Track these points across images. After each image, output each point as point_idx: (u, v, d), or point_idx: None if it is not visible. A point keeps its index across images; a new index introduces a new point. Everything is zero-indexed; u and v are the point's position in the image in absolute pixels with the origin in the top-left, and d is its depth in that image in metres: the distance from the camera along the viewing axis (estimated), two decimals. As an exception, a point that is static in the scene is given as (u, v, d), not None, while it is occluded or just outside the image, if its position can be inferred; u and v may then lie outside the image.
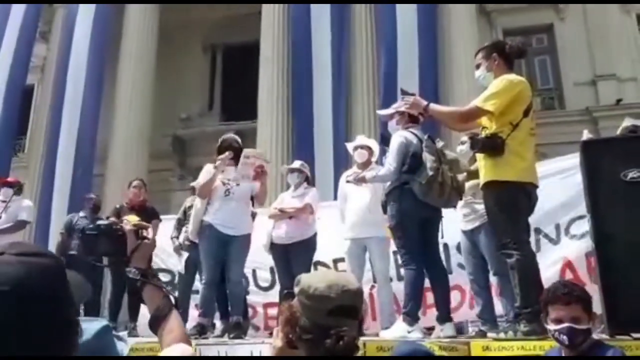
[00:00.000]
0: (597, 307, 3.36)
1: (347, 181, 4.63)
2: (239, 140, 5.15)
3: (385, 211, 4.36)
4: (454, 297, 4.67)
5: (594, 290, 3.50)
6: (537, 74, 14.52)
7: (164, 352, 1.24)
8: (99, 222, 1.68)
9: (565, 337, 2.41)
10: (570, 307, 2.43)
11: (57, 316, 0.82)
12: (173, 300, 1.40)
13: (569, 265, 4.96)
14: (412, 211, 4.11)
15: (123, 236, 1.52)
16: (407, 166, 4.10)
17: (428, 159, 4.00)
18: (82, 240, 1.52)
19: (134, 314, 6.20)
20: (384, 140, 4.51)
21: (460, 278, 4.96)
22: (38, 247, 0.90)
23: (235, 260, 4.84)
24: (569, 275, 4.93)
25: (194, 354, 1.29)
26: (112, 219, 5.46)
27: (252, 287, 6.17)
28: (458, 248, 4.87)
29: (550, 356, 2.69)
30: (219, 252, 4.83)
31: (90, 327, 2.08)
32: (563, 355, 2.53)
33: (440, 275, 4.25)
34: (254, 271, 6.10)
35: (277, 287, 5.67)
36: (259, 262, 5.76)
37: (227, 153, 4.92)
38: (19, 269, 0.80)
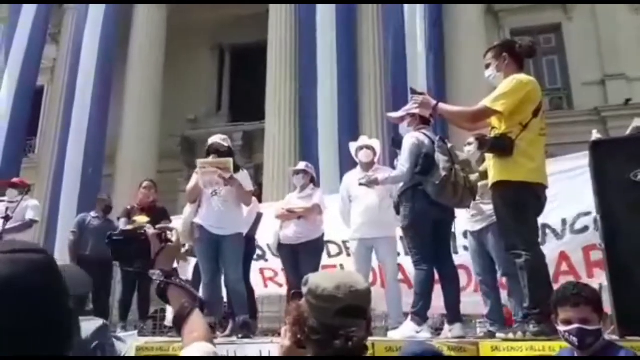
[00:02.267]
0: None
1: (360, 183, 4.61)
2: (227, 143, 5.08)
3: (398, 212, 4.36)
4: (460, 276, 4.62)
5: (592, 285, 3.48)
6: (545, 74, 14.44)
7: (184, 352, 1.24)
8: (124, 227, 1.72)
9: (574, 339, 2.40)
10: (579, 309, 2.41)
11: (50, 308, 0.83)
12: (198, 301, 1.41)
13: (564, 257, 4.96)
14: (425, 212, 4.11)
15: (146, 240, 1.53)
16: (419, 167, 4.08)
17: (441, 159, 3.98)
18: (110, 246, 1.55)
19: (143, 314, 6.23)
20: (395, 143, 4.49)
21: (465, 258, 4.95)
22: (28, 243, 0.92)
23: (230, 260, 4.81)
24: (564, 268, 4.94)
25: (216, 353, 1.28)
26: (125, 221, 5.43)
27: (268, 255, 6.38)
28: (464, 234, 4.85)
29: (562, 356, 2.68)
30: (213, 253, 4.82)
31: (88, 326, 2.10)
32: (575, 355, 2.51)
33: (451, 276, 4.23)
34: (267, 245, 6.18)
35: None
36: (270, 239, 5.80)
37: (209, 158, 4.89)
38: (9, 267, 0.81)
